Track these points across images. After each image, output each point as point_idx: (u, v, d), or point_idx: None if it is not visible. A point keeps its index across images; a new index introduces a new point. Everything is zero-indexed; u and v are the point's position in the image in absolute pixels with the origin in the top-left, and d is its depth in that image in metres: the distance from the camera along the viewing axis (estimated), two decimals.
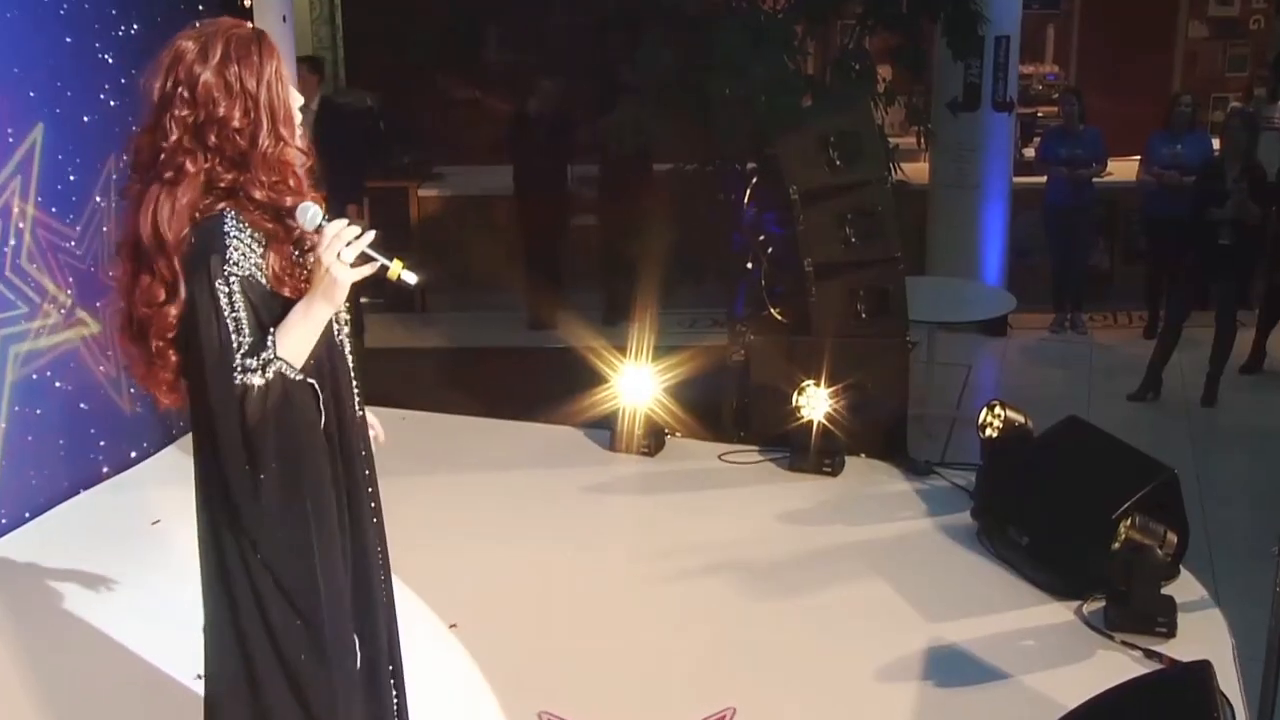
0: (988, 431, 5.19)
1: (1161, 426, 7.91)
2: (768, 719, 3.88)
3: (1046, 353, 9.48)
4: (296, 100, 2.70)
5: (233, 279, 2.52)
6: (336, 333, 2.75)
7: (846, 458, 5.60)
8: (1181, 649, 4.07)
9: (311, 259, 2.58)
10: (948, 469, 5.57)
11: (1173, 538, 4.19)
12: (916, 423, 7.58)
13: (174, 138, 2.56)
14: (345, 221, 2.58)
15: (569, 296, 10.34)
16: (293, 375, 2.55)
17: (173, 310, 2.58)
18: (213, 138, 2.56)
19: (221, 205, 2.57)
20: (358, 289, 2.69)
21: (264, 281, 2.56)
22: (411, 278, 2.65)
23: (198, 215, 2.56)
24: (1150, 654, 4.09)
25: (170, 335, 2.62)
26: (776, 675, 4.12)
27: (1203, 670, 3.33)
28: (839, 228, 5.68)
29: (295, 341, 2.54)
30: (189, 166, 2.56)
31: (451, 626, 4.39)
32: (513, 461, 5.68)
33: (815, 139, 5.63)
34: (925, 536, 5.05)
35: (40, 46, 5.13)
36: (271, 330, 2.53)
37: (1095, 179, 9.48)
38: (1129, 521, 4.25)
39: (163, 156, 2.58)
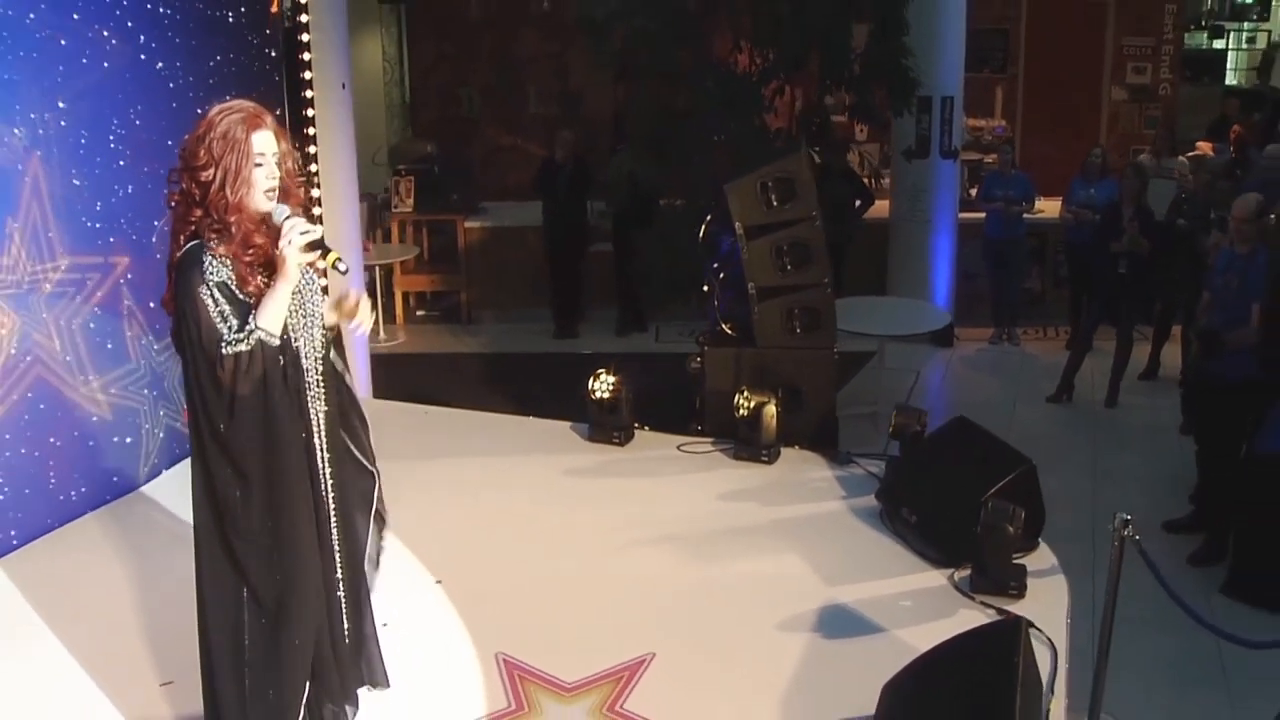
0: (890, 429, 5.31)
1: (1071, 423, 8.01)
2: (679, 662, 4.00)
3: (984, 361, 9.57)
4: (266, 172, 2.99)
5: (212, 283, 2.96)
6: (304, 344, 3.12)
7: (783, 449, 5.69)
8: (1027, 608, 4.15)
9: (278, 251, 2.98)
10: (865, 459, 5.60)
11: (1022, 514, 4.28)
12: (869, 420, 7.71)
13: (172, 182, 3.04)
14: (301, 220, 2.99)
15: (589, 311, 10.54)
16: (270, 340, 2.97)
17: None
18: (185, 185, 2.98)
19: (195, 237, 2.98)
20: None
21: (234, 288, 2.98)
22: (342, 267, 3.01)
23: (182, 239, 3.01)
24: (1002, 613, 4.17)
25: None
26: (693, 628, 4.23)
27: (1014, 624, 3.46)
28: (777, 257, 5.79)
29: (268, 313, 2.97)
30: (176, 203, 3.02)
31: (437, 582, 4.54)
32: (506, 450, 5.78)
33: (756, 183, 5.75)
34: (837, 516, 5.10)
35: None
36: (251, 315, 2.96)
37: (1028, 215, 9.55)
38: (989, 504, 4.35)
39: (168, 193, 3.07)
